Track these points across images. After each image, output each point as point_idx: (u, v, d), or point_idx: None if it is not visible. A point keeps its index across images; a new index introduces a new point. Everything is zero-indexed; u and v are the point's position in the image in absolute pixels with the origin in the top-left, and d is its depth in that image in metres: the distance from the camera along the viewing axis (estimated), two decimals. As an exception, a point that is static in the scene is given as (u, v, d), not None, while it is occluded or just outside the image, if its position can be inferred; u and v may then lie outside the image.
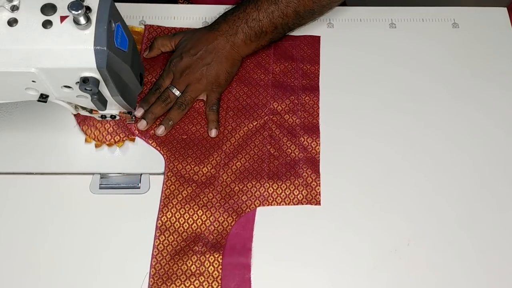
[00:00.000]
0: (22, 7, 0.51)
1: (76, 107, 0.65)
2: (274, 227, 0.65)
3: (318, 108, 0.72)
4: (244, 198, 0.66)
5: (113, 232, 0.64)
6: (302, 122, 0.71)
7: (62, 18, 0.51)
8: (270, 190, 0.67)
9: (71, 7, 0.48)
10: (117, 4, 0.54)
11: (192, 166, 0.68)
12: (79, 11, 0.48)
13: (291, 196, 0.67)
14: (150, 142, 0.69)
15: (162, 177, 0.68)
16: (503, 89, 0.75)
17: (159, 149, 0.69)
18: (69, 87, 0.56)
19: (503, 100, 0.74)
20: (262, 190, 0.67)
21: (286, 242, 0.64)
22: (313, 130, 0.71)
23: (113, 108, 0.66)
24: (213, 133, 0.70)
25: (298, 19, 0.72)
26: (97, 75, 0.53)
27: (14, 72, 0.52)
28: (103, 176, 0.67)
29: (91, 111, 0.67)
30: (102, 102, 0.56)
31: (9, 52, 0.51)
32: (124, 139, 0.69)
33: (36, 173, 0.67)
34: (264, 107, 0.72)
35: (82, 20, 0.50)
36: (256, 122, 0.71)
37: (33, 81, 0.54)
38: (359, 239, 0.65)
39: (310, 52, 0.77)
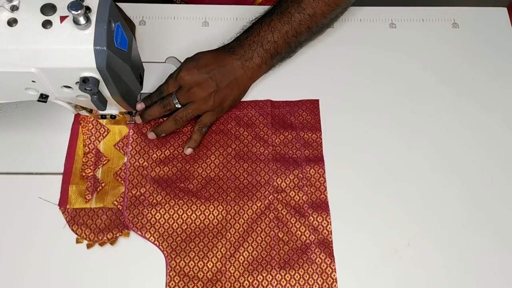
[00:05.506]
0: (22, 7, 0.51)
1: (76, 107, 0.65)
2: None
3: (325, 181, 0.67)
4: None
5: (113, 232, 0.64)
6: (309, 199, 0.66)
7: (62, 18, 0.51)
8: (283, 282, 0.62)
9: (71, 7, 0.48)
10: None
11: (196, 262, 0.62)
12: (79, 11, 0.48)
13: (306, 286, 0.61)
14: (148, 236, 0.63)
15: (162, 177, 0.67)
16: (503, 89, 0.75)
17: (157, 244, 0.63)
18: (69, 87, 0.56)
19: (503, 100, 0.74)
20: (274, 282, 0.61)
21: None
22: (322, 207, 0.65)
23: (113, 108, 0.66)
24: (188, 151, 0.67)
25: (310, 35, 0.72)
26: (97, 75, 0.53)
27: (14, 72, 0.52)
28: (103, 176, 0.67)
29: (91, 111, 0.67)
30: (102, 102, 0.56)
31: (9, 52, 0.51)
32: (118, 235, 0.63)
33: (36, 173, 0.67)
34: (267, 185, 0.66)
35: (82, 20, 0.50)
36: (260, 203, 0.65)
37: (33, 81, 0.54)
38: (359, 239, 0.65)
39: (310, 119, 0.71)
